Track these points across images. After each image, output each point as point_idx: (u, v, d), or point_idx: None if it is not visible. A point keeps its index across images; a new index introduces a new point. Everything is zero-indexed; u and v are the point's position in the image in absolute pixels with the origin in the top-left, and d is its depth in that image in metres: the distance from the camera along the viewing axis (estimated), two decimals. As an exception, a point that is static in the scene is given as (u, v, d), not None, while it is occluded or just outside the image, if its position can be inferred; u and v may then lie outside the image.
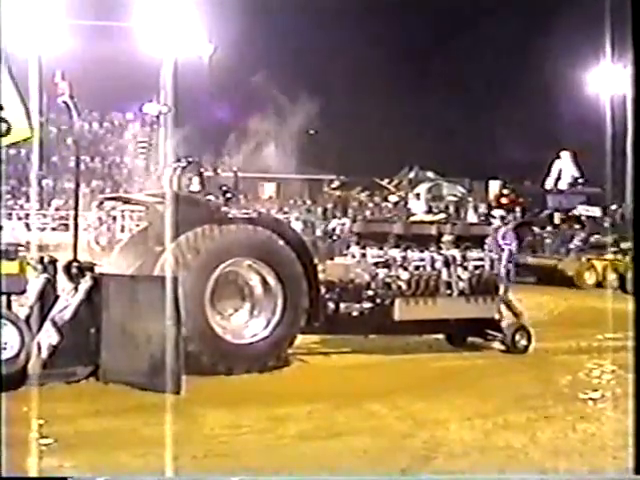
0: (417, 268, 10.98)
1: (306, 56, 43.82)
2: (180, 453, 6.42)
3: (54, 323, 8.68)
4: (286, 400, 8.33)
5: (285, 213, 35.84)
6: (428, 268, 11.02)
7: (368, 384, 9.33)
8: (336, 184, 43.82)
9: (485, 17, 43.27)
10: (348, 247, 11.64)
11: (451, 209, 30.67)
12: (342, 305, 10.67)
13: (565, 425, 7.68)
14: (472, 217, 27.90)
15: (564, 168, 25.85)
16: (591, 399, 8.78)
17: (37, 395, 7.66)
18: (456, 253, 11.19)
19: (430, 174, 38.57)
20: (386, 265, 10.96)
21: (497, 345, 11.47)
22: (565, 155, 25.99)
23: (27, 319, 8.71)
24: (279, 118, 49.11)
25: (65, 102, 9.65)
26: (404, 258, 11.00)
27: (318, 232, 28.61)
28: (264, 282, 9.95)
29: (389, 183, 40.78)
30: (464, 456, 6.71)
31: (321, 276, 10.67)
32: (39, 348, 8.54)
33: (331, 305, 10.59)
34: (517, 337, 11.28)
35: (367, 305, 10.76)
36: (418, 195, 34.13)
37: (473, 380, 9.75)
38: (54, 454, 6.52)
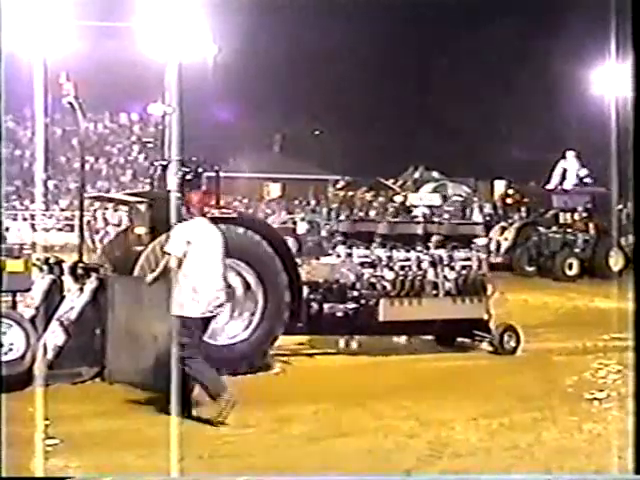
0: (403, 268, 10.76)
1: (311, 57, 43.84)
2: (186, 454, 6.43)
3: (60, 323, 8.69)
4: (290, 401, 8.34)
5: (290, 213, 35.87)
6: (414, 268, 10.80)
7: (368, 384, 9.30)
8: (341, 184, 43.79)
9: (490, 17, 43.23)
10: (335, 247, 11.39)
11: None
12: (326, 305, 10.49)
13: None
14: (477, 217, 27.84)
15: (569, 168, 25.75)
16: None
17: (43, 396, 7.67)
18: (443, 253, 10.99)
19: (435, 174, 38.44)
20: (372, 265, 10.78)
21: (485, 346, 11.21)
22: (570, 155, 25.89)
23: (33, 320, 8.72)
24: (284, 118, 49.19)
25: (70, 103, 9.67)
26: (390, 258, 10.81)
27: (323, 233, 28.56)
28: (244, 282, 9.73)
29: (394, 183, 40.72)
30: (468, 456, 6.70)
31: (306, 276, 10.54)
32: (45, 349, 8.55)
33: (315, 305, 10.41)
34: (505, 338, 11.05)
35: (352, 305, 10.58)
36: (423, 195, 33.95)
37: (474, 381, 9.72)
38: (60, 454, 6.53)
